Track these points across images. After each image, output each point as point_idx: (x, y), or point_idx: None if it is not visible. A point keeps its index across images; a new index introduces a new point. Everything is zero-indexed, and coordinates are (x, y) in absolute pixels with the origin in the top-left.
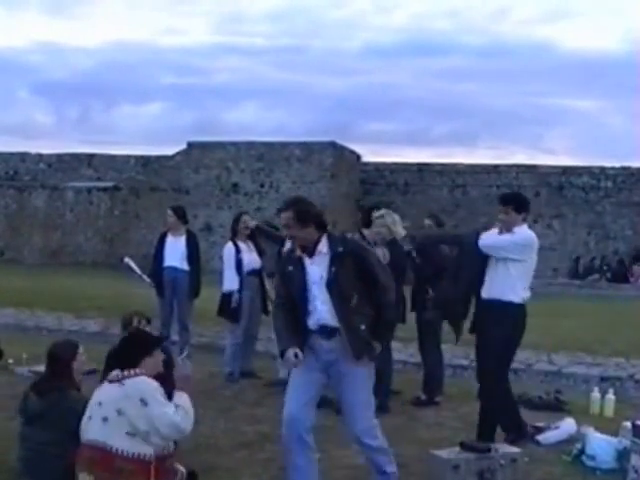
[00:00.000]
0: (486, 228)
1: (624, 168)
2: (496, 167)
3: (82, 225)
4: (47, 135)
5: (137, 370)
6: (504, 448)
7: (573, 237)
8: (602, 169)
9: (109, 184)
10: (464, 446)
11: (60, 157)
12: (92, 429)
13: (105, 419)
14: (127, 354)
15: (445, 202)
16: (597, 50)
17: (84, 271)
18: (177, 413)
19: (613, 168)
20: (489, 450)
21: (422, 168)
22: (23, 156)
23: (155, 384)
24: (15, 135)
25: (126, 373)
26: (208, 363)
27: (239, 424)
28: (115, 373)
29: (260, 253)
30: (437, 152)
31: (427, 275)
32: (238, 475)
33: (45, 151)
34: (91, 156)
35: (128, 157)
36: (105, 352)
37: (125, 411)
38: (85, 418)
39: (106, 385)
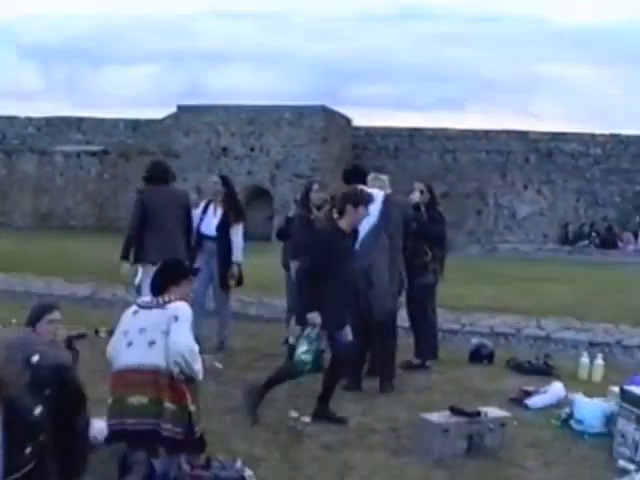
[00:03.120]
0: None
1: (613, 135)
2: (486, 133)
3: (72, 189)
4: (36, 98)
5: (174, 296)
6: (493, 412)
7: (563, 203)
8: (592, 136)
9: (98, 148)
10: (454, 410)
11: (49, 121)
12: (135, 354)
13: (152, 342)
14: (157, 281)
15: (435, 167)
16: (588, 17)
17: (74, 235)
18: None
19: (602, 135)
20: (478, 414)
21: (413, 133)
22: (12, 120)
23: (191, 312)
24: (3, 98)
25: (167, 298)
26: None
27: (229, 388)
28: (148, 299)
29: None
30: (426, 117)
31: (430, 236)
32: (228, 439)
33: (34, 115)
34: (80, 120)
35: (117, 121)
36: (95, 316)
37: (165, 329)
38: (120, 345)
39: (144, 312)
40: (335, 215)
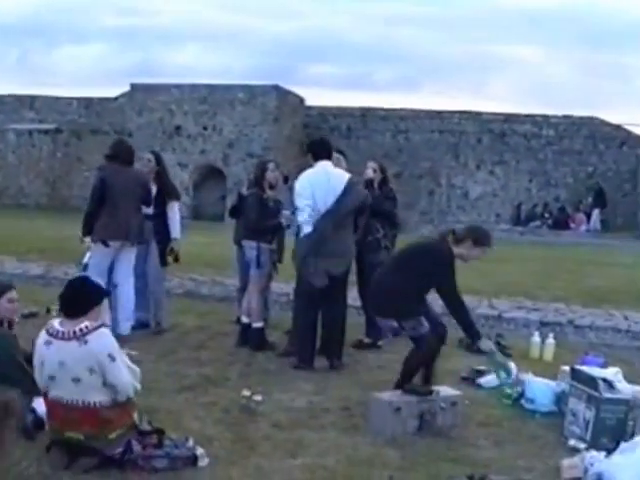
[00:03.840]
0: None
1: (566, 117)
2: (439, 113)
3: (24, 167)
4: None
5: (92, 323)
6: (445, 391)
7: (515, 184)
8: (544, 117)
9: (51, 126)
10: (406, 389)
11: (1, 99)
12: (62, 389)
13: (77, 379)
14: (78, 302)
15: (388, 147)
16: None
17: (26, 214)
18: (129, 373)
19: (555, 116)
20: (430, 393)
21: (365, 113)
22: None
23: (112, 336)
24: None
25: (83, 328)
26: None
27: (182, 367)
28: (60, 327)
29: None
30: (380, 97)
31: (382, 212)
32: (180, 418)
33: None
34: (33, 98)
35: (70, 99)
36: (47, 295)
37: (96, 369)
38: (42, 376)
39: (59, 343)
40: (450, 238)
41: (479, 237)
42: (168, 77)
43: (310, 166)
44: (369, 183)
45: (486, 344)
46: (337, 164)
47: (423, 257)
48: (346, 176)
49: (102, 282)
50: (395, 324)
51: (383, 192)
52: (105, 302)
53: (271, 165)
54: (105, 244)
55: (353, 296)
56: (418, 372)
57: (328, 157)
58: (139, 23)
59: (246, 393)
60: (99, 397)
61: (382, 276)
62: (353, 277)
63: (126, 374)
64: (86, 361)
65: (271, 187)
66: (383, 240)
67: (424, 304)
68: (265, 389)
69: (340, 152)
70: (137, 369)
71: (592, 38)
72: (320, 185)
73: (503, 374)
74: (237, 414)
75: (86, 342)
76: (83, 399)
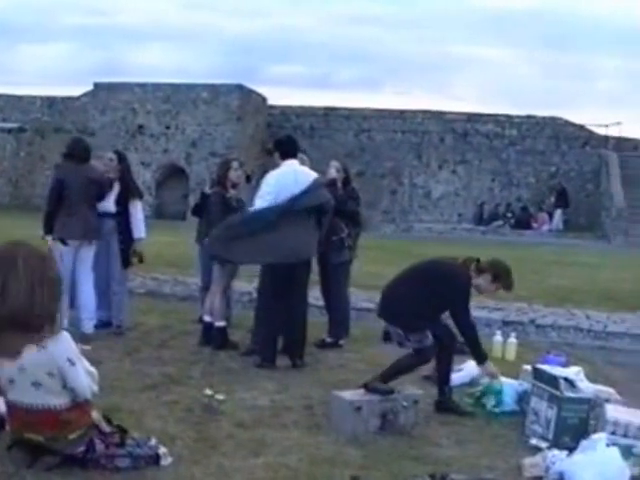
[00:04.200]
0: None
1: (529, 117)
2: (402, 112)
3: None
4: None
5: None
6: (407, 390)
7: (478, 183)
8: (507, 117)
9: (14, 125)
10: (367, 388)
11: None
12: (21, 393)
13: (37, 384)
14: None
15: (351, 146)
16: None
17: None
18: (87, 376)
19: (518, 116)
20: (392, 392)
21: (328, 112)
22: None
23: (71, 340)
24: None
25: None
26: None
27: (144, 366)
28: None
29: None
30: (343, 96)
31: (345, 212)
32: (143, 417)
33: None
34: None
35: (34, 98)
36: None
37: (56, 373)
38: (3, 379)
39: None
40: (473, 266)
41: (500, 274)
42: (132, 76)
43: (277, 165)
44: (332, 183)
45: (490, 368)
46: (302, 163)
47: (442, 280)
48: (313, 175)
49: (64, 281)
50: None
51: (346, 192)
52: (62, 303)
53: (234, 164)
54: (64, 243)
55: (316, 295)
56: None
57: (295, 156)
58: (103, 22)
59: (209, 392)
60: (59, 400)
61: (398, 284)
62: (315, 277)
63: (85, 377)
64: (46, 366)
65: (234, 186)
66: (347, 239)
67: (436, 321)
68: (228, 388)
69: (302, 151)
70: (95, 371)
71: (556, 39)
72: (287, 186)
73: (492, 400)
74: (200, 413)
75: (45, 347)
76: (43, 403)
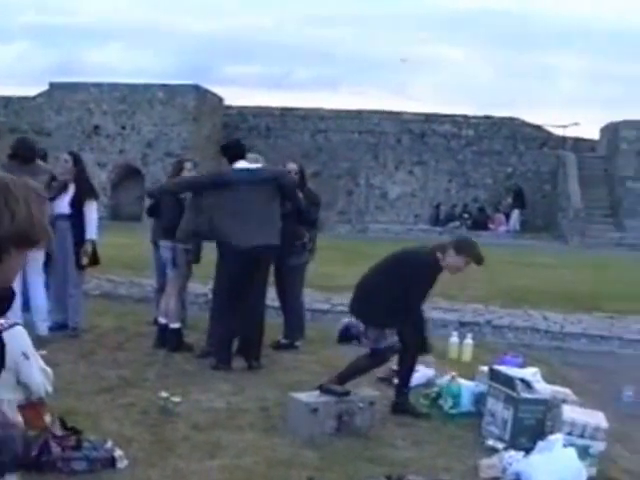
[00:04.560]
0: None
1: (486, 117)
2: (359, 113)
3: None
4: None
5: (7, 320)
6: (363, 391)
7: (434, 184)
8: (465, 117)
9: None
10: (323, 389)
11: None
12: None
13: None
14: None
15: (307, 147)
16: None
17: None
18: (42, 373)
19: (475, 117)
20: (348, 393)
21: (285, 113)
22: None
23: (26, 335)
24: None
25: None
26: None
27: (100, 368)
28: None
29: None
30: (300, 96)
31: (312, 220)
32: (99, 419)
33: None
34: None
35: None
36: None
37: (11, 366)
38: None
39: None
40: (439, 250)
41: (462, 246)
42: (88, 76)
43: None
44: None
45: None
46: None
47: (405, 263)
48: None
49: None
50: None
51: (308, 198)
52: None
53: (188, 164)
54: None
55: (271, 297)
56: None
57: (243, 156)
58: (59, 21)
59: (164, 394)
60: (13, 395)
61: (365, 277)
62: (270, 277)
63: (38, 374)
64: None
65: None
66: (309, 244)
67: (398, 317)
68: (183, 390)
69: (250, 150)
70: (49, 370)
71: (514, 39)
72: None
73: (449, 402)
74: (155, 415)
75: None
76: None
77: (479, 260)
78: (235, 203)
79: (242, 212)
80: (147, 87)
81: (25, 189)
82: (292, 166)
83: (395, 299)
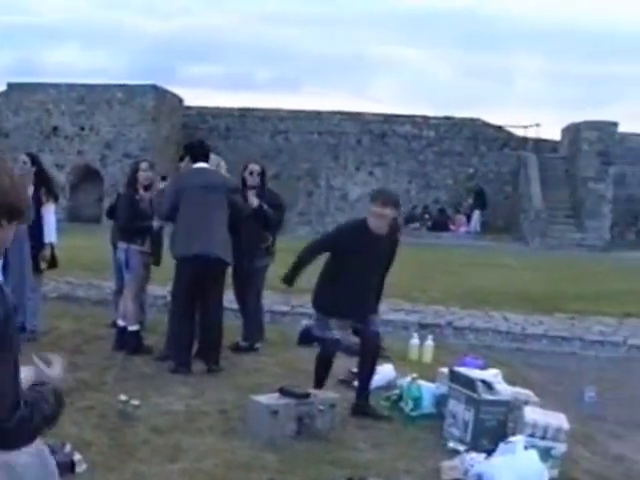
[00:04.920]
0: None
1: (447, 118)
2: (319, 113)
3: None
4: None
5: None
6: (323, 394)
7: (395, 185)
8: (425, 118)
9: None
10: (283, 392)
11: None
12: None
13: None
14: None
15: (267, 148)
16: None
17: None
18: None
19: (436, 118)
20: (308, 396)
21: (244, 113)
22: None
23: None
24: None
25: None
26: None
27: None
28: None
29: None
30: (260, 97)
31: (276, 223)
32: (57, 423)
33: None
34: None
35: None
36: None
37: None
38: None
39: None
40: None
41: (372, 194)
42: (47, 76)
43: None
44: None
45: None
46: (219, 168)
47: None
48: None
49: None
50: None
51: (271, 200)
52: None
53: (143, 165)
54: None
55: (230, 298)
56: (323, 375)
57: (205, 159)
58: (18, 21)
59: (123, 397)
60: None
61: None
62: (228, 279)
63: None
64: None
65: (146, 188)
66: (272, 247)
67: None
68: (142, 393)
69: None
70: None
71: (475, 39)
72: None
73: (410, 404)
74: (115, 419)
75: None
76: None
77: (379, 198)
78: (189, 212)
79: (193, 221)
80: (106, 87)
81: (3, 162)
82: (255, 167)
83: (326, 273)
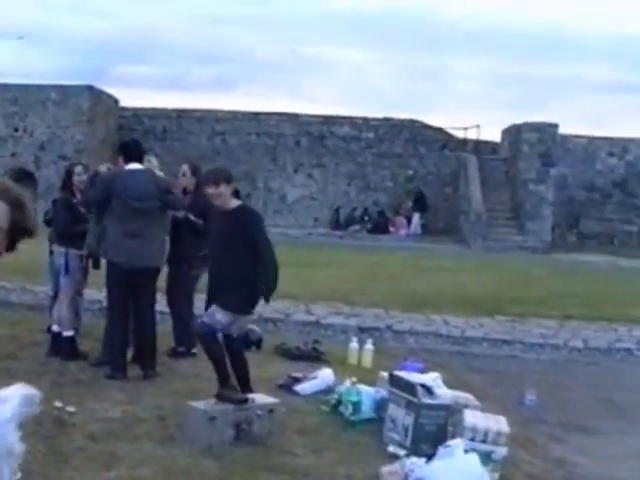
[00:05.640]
0: None
1: (386, 119)
2: (257, 115)
3: None
4: None
5: None
6: (261, 399)
7: (334, 187)
8: (364, 119)
9: None
10: (221, 397)
11: None
12: None
13: None
14: None
15: (204, 149)
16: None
17: None
18: None
19: (375, 119)
20: (246, 401)
21: (181, 114)
22: None
23: None
24: None
25: None
26: None
27: None
28: None
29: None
30: (197, 98)
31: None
32: None
33: None
34: None
35: None
36: None
37: None
38: None
39: None
40: None
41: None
42: None
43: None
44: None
45: None
46: (151, 167)
47: None
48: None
49: None
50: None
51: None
52: None
53: (77, 169)
54: None
55: (164, 303)
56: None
57: (139, 160)
58: None
59: (58, 404)
60: None
61: None
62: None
63: None
64: None
65: (81, 191)
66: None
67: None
68: (78, 400)
69: (145, 153)
70: None
71: (414, 40)
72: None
73: (349, 408)
74: (50, 426)
75: None
76: None
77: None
78: (120, 215)
79: (125, 224)
80: (40, 88)
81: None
82: (185, 167)
83: None
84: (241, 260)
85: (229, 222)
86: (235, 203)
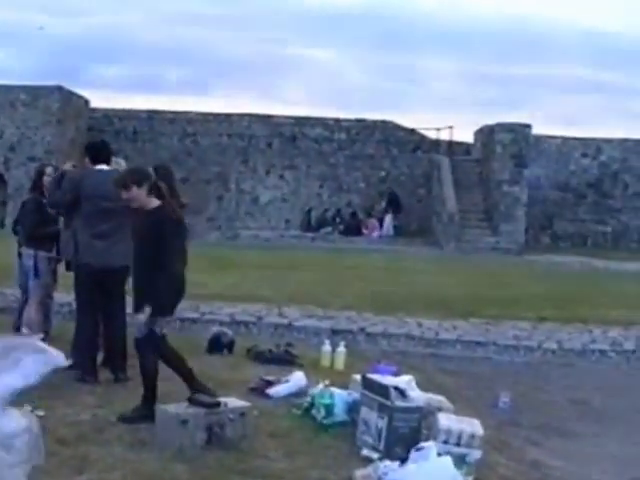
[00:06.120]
0: None
1: (359, 120)
2: (228, 116)
3: None
4: None
5: None
6: (233, 402)
7: (306, 189)
8: (336, 120)
9: None
10: (192, 401)
11: None
12: None
13: None
14: None
15: (176, 151)
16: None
17: None
18: None
19: (347, 120)
20: (218, 405)
21: (152, 116)
22: None
23: None
24: None
25: None
26: None
27: None
28: None
29: None
30: (168, 99)
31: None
32: None
33: None
34: None
35: None
36: None
37: None
38: None
39: None
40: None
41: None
42: None
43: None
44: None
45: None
46: (116, 164)
47: None
48: None
49: None
50: None
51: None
52: None
53: (48, 169)
54: None
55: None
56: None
57: (106, 161)
58: None
59: (28, 408)
60: None
61: None
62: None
63: None
64: None
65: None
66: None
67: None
68: (48, 403)
69: (116, 155)
70: None
71: (386, 41)
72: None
73: (322, 411)
74: None
75: None
76: None
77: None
78: (88, 217)
79: (93, 227)
80: (9, 88)
81: None
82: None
83: None
84: (147, 261)
85: (144, 222)
86: (155, 203)
